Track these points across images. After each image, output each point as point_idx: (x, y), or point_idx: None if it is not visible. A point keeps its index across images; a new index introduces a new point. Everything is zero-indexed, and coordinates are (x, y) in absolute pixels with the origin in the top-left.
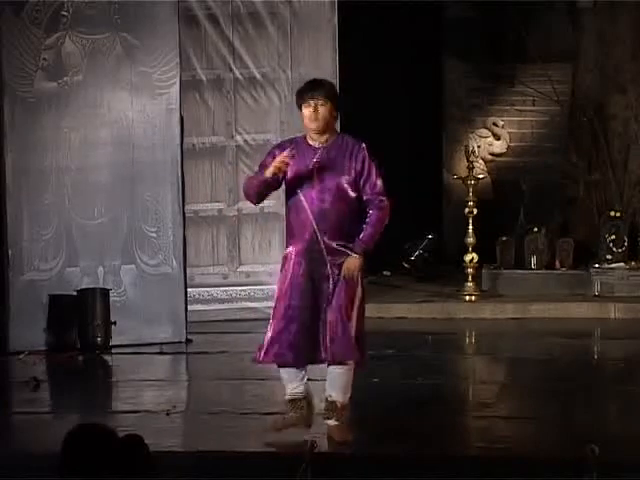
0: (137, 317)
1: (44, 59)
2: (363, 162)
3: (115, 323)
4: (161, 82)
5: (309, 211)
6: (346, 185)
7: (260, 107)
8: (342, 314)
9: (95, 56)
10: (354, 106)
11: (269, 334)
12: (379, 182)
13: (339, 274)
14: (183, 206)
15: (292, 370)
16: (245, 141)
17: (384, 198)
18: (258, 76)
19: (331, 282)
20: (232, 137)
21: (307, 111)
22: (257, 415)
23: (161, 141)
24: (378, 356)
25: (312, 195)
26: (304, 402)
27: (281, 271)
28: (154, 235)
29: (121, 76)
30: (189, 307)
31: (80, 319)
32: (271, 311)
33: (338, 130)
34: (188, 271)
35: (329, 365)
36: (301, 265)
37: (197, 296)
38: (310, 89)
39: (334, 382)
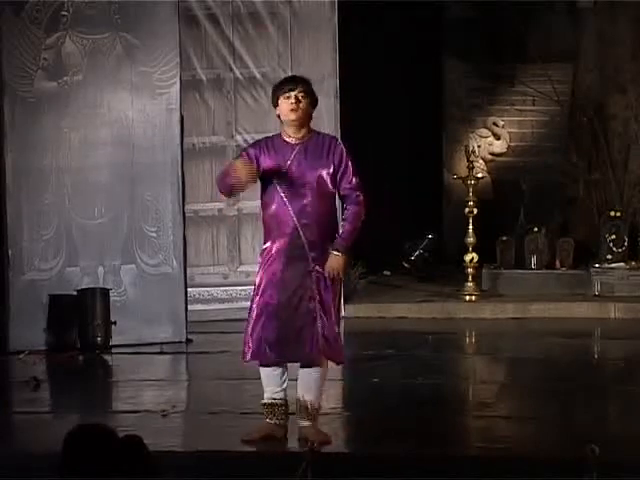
0: (137, 317)
1: (44, 59)
2: (340, 157)
3: (115, 323)
4: (161, 82)
5: (289, 207)
6: (326, 180)
7: (260, 107)
8: (330, 314)
9: (95, 56)
10: (354, 106)
11: (250, 332)
12: (355, 177)
13: (321, 270)
14: (183, 206)
15: (273, 372)
16: (245, 141)
17: (360, 193)
18: (258, 76)
19: (313, 278)
20: (232, 137)
21: (287, 103)
22: (257, 415)
23: (161, 141)
24: (378, 356)
25: (292, 191)
26: (283, 409)
27: (259, 268)
28: (154, 235)
29: (121, 76)
30: (189, 307)
31: (80, 319)
32: (249, 308)
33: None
34: (188, 271)
35: (302, 366)
36: (281, 261)
37: (197, 296)
38: (291, 81)
39: (309, 384)
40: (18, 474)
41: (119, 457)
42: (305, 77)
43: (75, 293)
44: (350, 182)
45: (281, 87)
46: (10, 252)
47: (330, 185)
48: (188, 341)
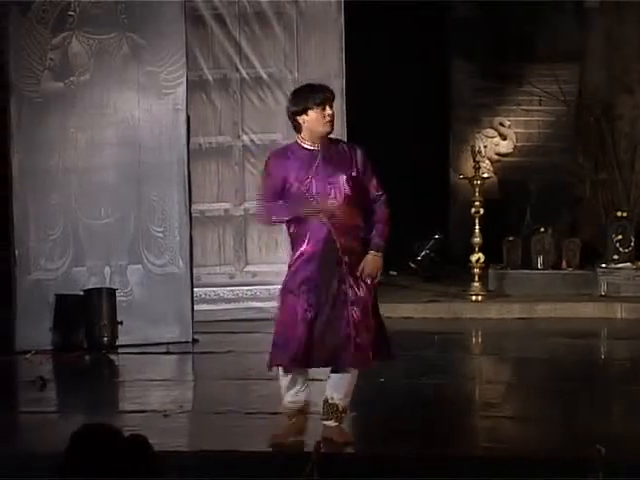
0: (143, 317)
1: (51, 59)
2: (364, 161)
3: (121, 323)
4: (168, 82)
5: (322, 211)
6: (351, 182)
7: (266, 107)
8: (369, 317)
9: (102, 56)
10: (361, 106)
11: (285, 336)
12: (378, 179)
13: (353, 273)
14: (190, 206)
15: (295, 376)
16: (252, 141)
17: (384, 194)
18: (264, 76)
19: (348, 282)
20: (239, 137)
21: (322, 115)
22: (263, 415)
23: (167, 141)
24: None
25: (322, 195)
26: (301, 412)
27: (292, 272)
28: (161, 235)
29: (128, 76)
30: (195, 307)
31: (87, 319)
32: (279, 311)
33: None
34: (194, 271)
35: (333, 370)
36: (316, 266)
37: (203, 296)
38: (324, 92)
39: (339, 385)
40: (24, 474)
41: (124, 457)
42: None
43: (81, 293)
44: (375, 185)
45: (313, 97)
46: (17, 252)
47: (354, 189)
48: (194, 341)
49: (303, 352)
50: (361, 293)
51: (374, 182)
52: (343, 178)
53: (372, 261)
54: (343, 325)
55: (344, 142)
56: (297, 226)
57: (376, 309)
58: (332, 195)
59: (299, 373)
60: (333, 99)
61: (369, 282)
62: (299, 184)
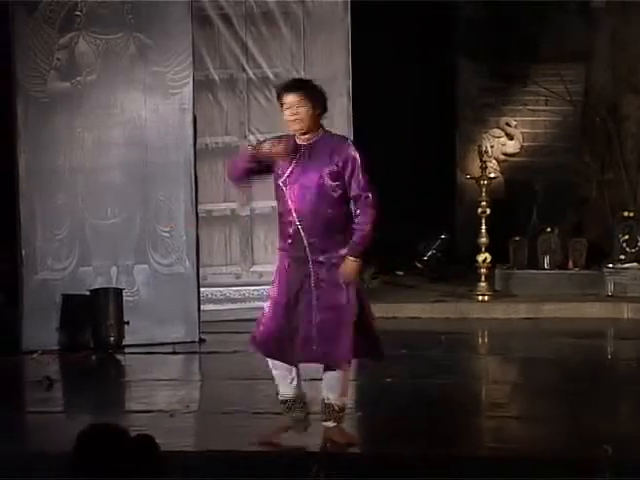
0: (150, 317)
1: (57, 59)
2: (346, 158)
3: (128, 323)
4: (174, 82)
5: (292, 208)
6: (326, 181)
7: (273, 107)
8: (332, 316)
9: (108, 56)
10: (366, 106)
11: (259, 322)
12: (364, 179)
13: (323, 273)
14: (196, 206)
15: (280, 371)
16: (258, 141)
17: (369, 195)
18: (271, 76)
19: (312, 281)
20: (245, 137)
21: (287, 113)
22: (269, 415)
23: (174, 141)
24: (391, 356)
25: (294, 192)
26: (296, 404)
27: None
28: (167, 235)
29: (134, 76)
30: (202, 307)
31: (93, 319)
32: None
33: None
34: (201, 271)
35: (325, 368)
36: (286, 262)
37: (210, 296)
38: (286, 89)
39: (331, 384)
40: (31, 473)
41: (131, 457)
42: (304, 79)
43: (88, 293)
44: (358, 184)
45: (278, 96)
46: (23, 252)
47: (332, 187)
48: (201, 341)
49: (274, 345)
50: (326, 294)
51: (359, 180)
52: (317, 175)
53: (347, 266)
54: (302, 324)
55: (337, 136)
56: (278, 213)
57: (362, 310)
58: (303, 191)
59: (283, 367)
60: (301, 96)
61: (346, 286)
62: (279, 172)
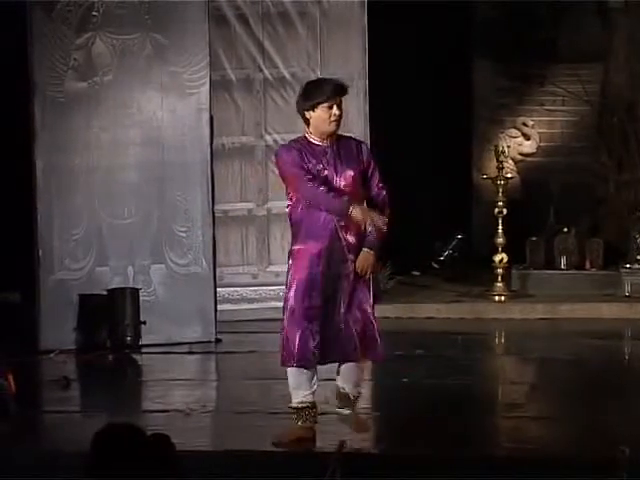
0: (166, 317)
1: (74, 59)
2: (369, 157)
3: (145, 323)
4: (191, 82)
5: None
6: (357, 180)
7: (289, 107)
8: (368, 313)
9: (125, 56)
10: (383, 107)
11: (291, 336)
12: (380, 176)
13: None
14: (213, 206)
15: (305, 376)
16: (275, 141)
17: (385, 192)
18: (288, 76)
19: (350, 279)
20: (261, 137)
21: (328, 113)
22: (286, 415)
23: (191, 141)
24: (407, 356)
25: (332, 192)
26: (313, 411)
27: (294, 269)
28: (184, 235)
29: (151, 76)
30: (218, 307)
31: (110, 319)
32: (286, 310)
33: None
34: (217, 271)
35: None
36: (321, 263)
37: (226, 296)
38: (332, 89)
39: (348, 376)
40: (48, 473)
41: (147, 456)
42: (340, 80)
43: (105, 293)
44: (378, 182)
45: (321, 95)
46: (40, 252)
47: (360, 185)
48: (217, 341)
49: (313, 351)
50: (363, 292)
51: (377, 178)
52: (351, 174)
53: (363, 258)
54: (345, 322)
55: (352, 138)
56: (302, 215)
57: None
58: (340, 192)
59: (308, 374)
60: (343, 96)
61: (363, 281)
62: (314, 171)
